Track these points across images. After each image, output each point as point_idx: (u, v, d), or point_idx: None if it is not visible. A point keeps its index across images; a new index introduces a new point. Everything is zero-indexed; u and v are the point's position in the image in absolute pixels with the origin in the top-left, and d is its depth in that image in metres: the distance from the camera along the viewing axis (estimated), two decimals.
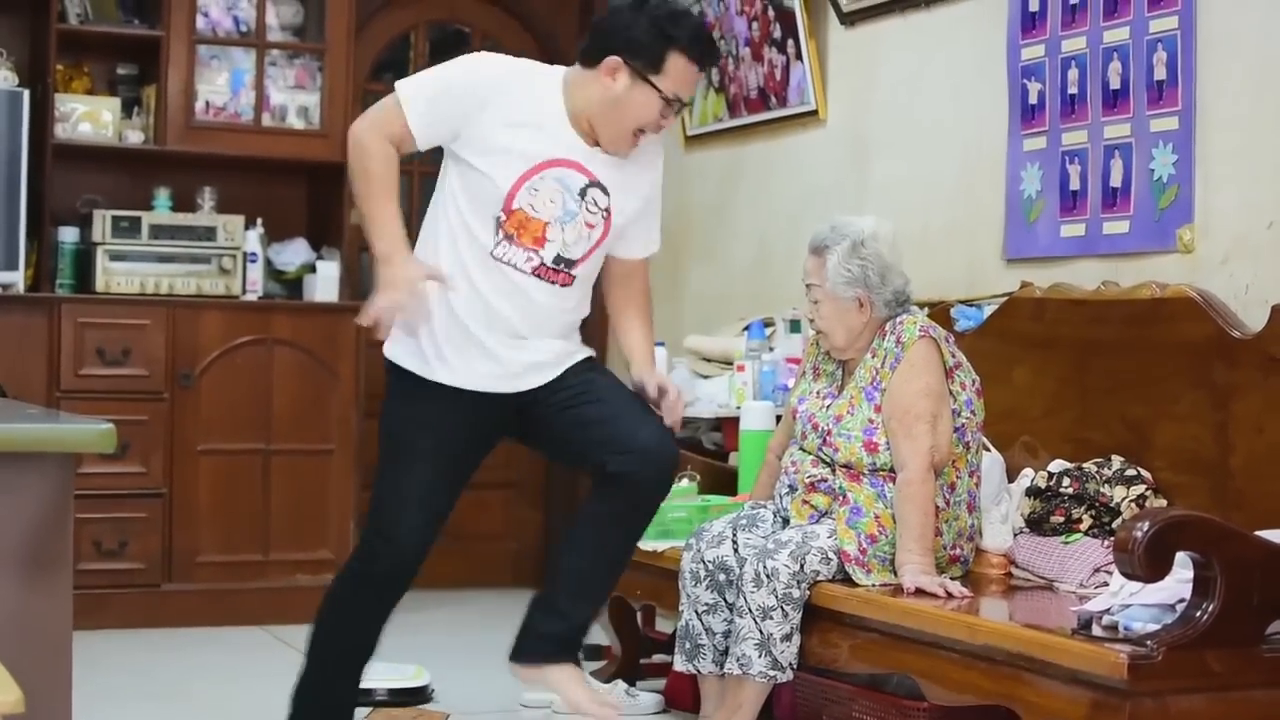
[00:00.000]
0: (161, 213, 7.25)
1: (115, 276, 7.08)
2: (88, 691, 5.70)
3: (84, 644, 6.37)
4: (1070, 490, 4.98)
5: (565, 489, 8.37)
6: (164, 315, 7.09)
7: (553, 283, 4.43)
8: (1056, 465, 5.12)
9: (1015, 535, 5.11)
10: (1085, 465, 5.05)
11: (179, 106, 7.23)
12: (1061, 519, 4.96)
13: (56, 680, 2.90)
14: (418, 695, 5.22)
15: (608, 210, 4.46)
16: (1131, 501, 4.85)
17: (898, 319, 5.01)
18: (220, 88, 7.36)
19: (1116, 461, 4.98)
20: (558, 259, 4.41)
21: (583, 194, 4.41)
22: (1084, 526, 4.93)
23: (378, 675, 5.24)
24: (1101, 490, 4.93)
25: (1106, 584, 4.37)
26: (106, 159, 7.41)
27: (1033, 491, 5.13)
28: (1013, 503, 5.17)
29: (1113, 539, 4.02)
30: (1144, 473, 4.95)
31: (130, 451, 6.97)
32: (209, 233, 7.24)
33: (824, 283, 5.01)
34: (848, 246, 4.99)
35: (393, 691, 5.21)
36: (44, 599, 2.85)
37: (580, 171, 4.41)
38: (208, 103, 7.32)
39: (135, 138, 7.25)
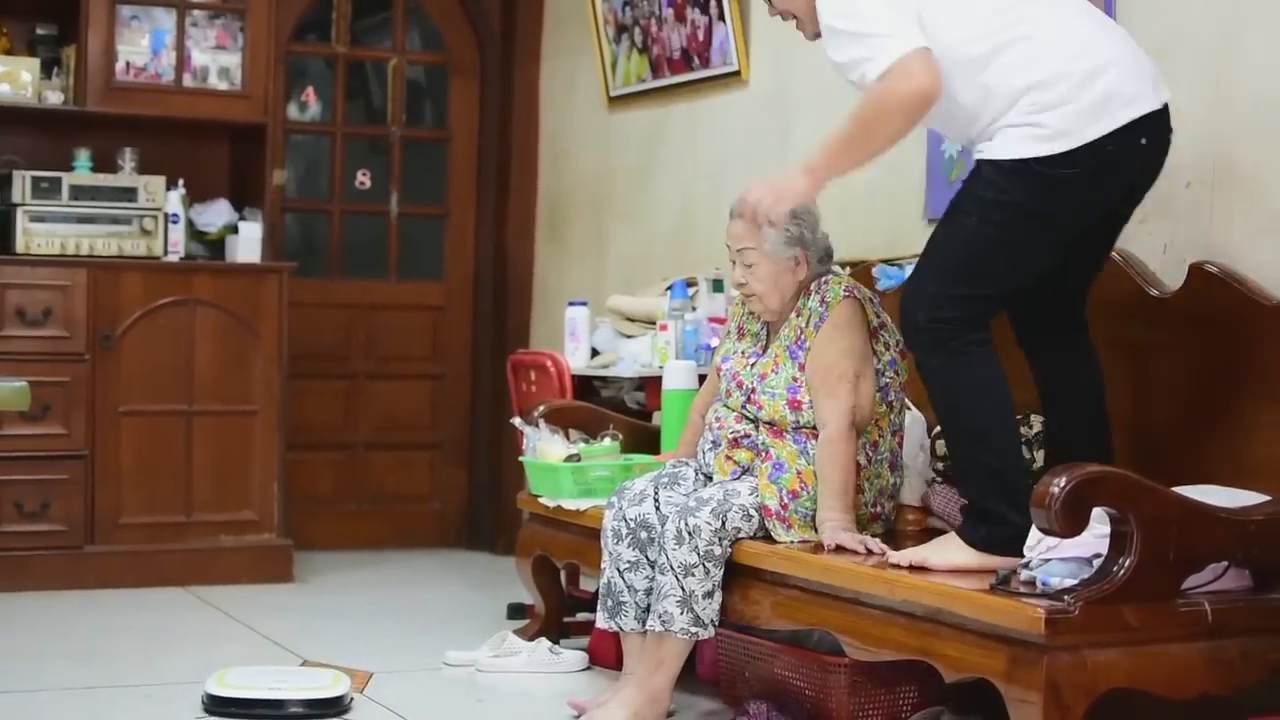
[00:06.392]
0: (82, 173, 7.20)
1: (35, 238, 7.03)
2: (7, 653, 5.74)
3: (5, 606, 6.43)
4: None
5: (490, 448, 8.37)
6: (85, 276, 7.02)
7: None
8: None
9: (929, 484, 5.15)
10: None
11: (99, 67, 7.17)
12: None
13: None
14: (335, 705, 5.11)
15: None
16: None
17: (822, 279, 5.03)
18: (141, 48, 7.29)
19: (1037, 423, 4.99)
20: None
21: None
22: None
23: (293, 685, 5.14)
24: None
25: None
26: (26, 120, 7.33)
27: (944, 457, 5.15)
28: (926, 458, 5.20)
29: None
30: None
31: (52, 413, 6.93)
32: (130, 193, 7.19)
33: (760, 245, 5.00)
34: None
35: (309, 703, 5.08)
36: None
37: None
38: (128, 63, 7.25)
39: (55, 98, 7.18)
